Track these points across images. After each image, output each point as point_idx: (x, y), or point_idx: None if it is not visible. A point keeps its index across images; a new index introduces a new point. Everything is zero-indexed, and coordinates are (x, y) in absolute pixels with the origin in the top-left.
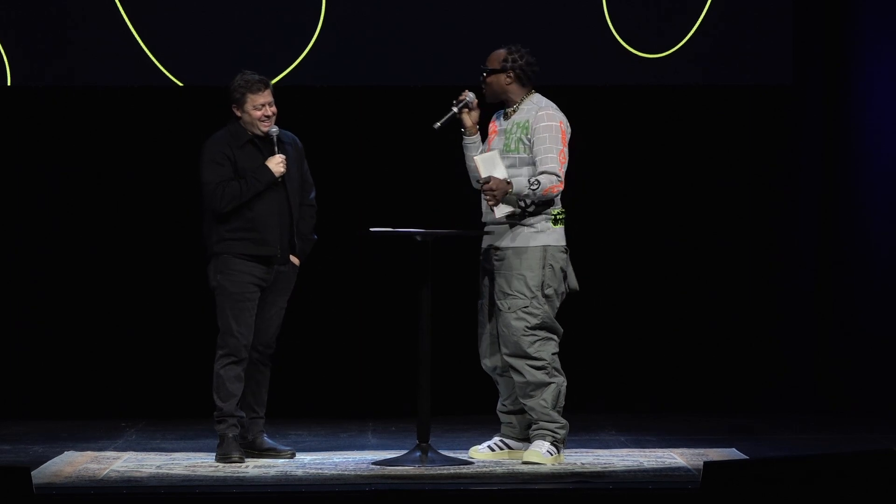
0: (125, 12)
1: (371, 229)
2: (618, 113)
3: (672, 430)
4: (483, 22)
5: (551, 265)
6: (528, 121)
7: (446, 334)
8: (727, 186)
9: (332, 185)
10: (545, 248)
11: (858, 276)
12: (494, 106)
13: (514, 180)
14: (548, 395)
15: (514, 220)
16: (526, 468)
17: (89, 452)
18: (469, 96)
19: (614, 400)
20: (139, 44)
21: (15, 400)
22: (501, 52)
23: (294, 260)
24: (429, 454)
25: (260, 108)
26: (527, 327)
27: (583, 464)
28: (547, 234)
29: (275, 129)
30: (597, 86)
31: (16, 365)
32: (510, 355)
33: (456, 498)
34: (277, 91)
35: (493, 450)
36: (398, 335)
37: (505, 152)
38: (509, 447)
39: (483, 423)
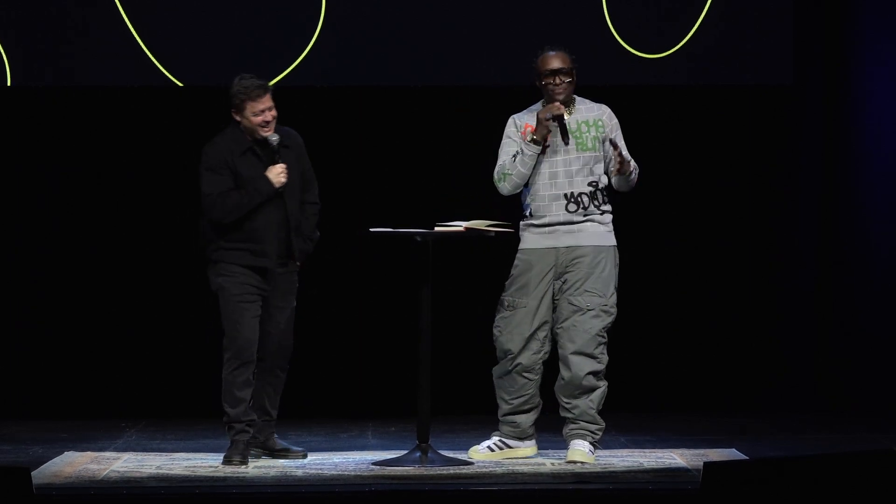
0: (125, 12)
1: (371, 229)
2: (618, 113)
3: (672, 430)
4: (483, 22)
5: (618, 264)
6: (599, 119)
7: (446, 334)
8: (727, 186)
9: (333, 184)
10: (615, 247)
11: (858, 276)
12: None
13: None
14: (595, 397)
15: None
16: (526, 468)
17: (89, 453)
18: (562, 107)
19: (614, 400)
20: (139, 44)
21: (15, 400)
22: (564, 53)
23: (294, 261)
24: (429, 454)
25: (259, 115)
26: (602, 328)
27: (583, 464)
28: (613, 234)
29: (275, 137)
30: (597, 86)
31: (16, 365)
32: (576, 353)
33: (456, 498)
34: (277, 91)
35: (492, 450)
36: (398, 335)
37: (580, 150)
38: (508, 446)
39: (483, 423)
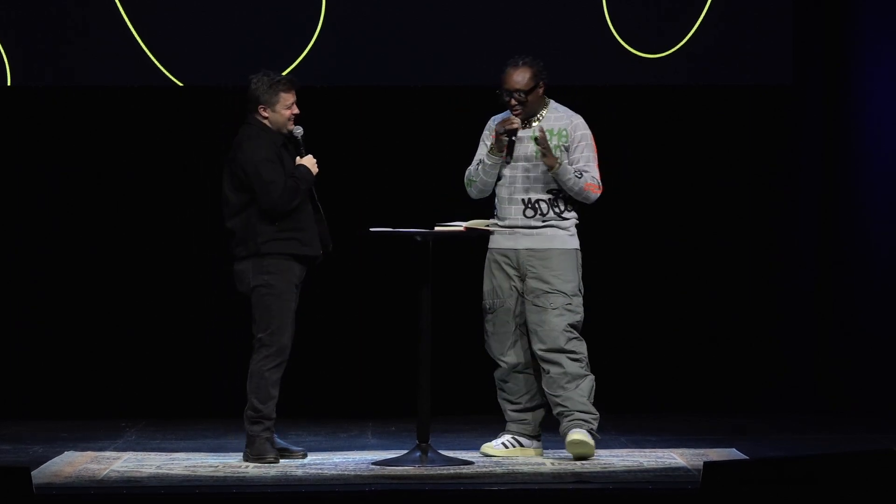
0: (125, 12)
1: (371, 229)
2: (618, 113)
3: (672, 430)
4: (483, 22)
5: (581, 268)
6: (564, 129)
7: (446, 334)
8: (727, 186)
9: (333, 184)
10: (577, 251)
11: (858, 276)
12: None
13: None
14: (584, 386)
15: (549, 219)
16: (526, 468)
17: (89, 452)
18: (517, 123)
19: (614, 400)
20: (139, 44)
21: (15, 400)
22: (526, 68)
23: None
24: (429, 454)
25: (290, 107)
26: (568, 325)
27: (583, 464)
28: (576, 238)
29: (300, 130)
30: (597, 86)
31: (16, 365)
32: (548, 350)
33: (456, 498)
34: None
35: (507, 446)
36: (398, 335)
37: (538, 158)
38: (521, 444)
39: (483, 423)
